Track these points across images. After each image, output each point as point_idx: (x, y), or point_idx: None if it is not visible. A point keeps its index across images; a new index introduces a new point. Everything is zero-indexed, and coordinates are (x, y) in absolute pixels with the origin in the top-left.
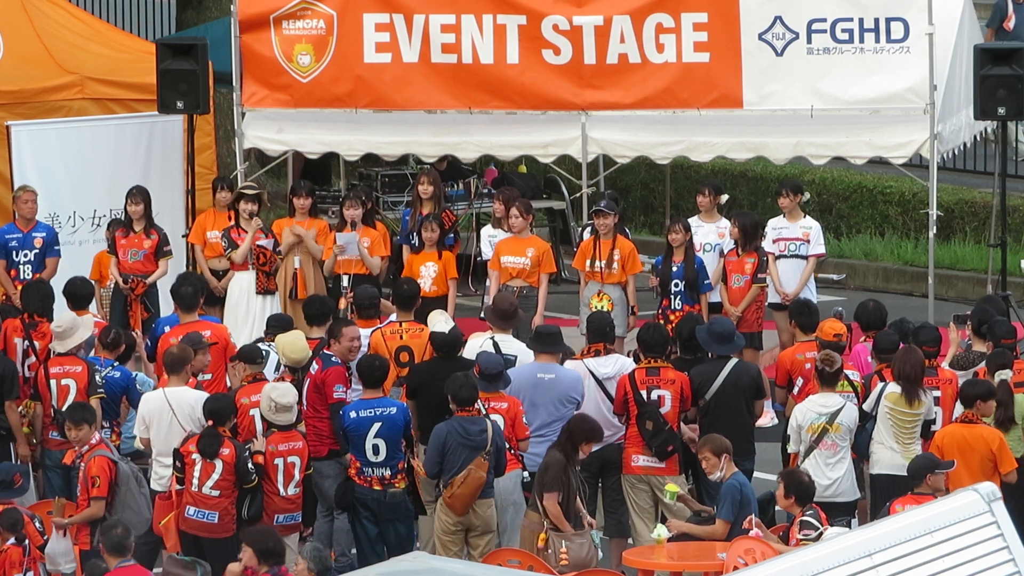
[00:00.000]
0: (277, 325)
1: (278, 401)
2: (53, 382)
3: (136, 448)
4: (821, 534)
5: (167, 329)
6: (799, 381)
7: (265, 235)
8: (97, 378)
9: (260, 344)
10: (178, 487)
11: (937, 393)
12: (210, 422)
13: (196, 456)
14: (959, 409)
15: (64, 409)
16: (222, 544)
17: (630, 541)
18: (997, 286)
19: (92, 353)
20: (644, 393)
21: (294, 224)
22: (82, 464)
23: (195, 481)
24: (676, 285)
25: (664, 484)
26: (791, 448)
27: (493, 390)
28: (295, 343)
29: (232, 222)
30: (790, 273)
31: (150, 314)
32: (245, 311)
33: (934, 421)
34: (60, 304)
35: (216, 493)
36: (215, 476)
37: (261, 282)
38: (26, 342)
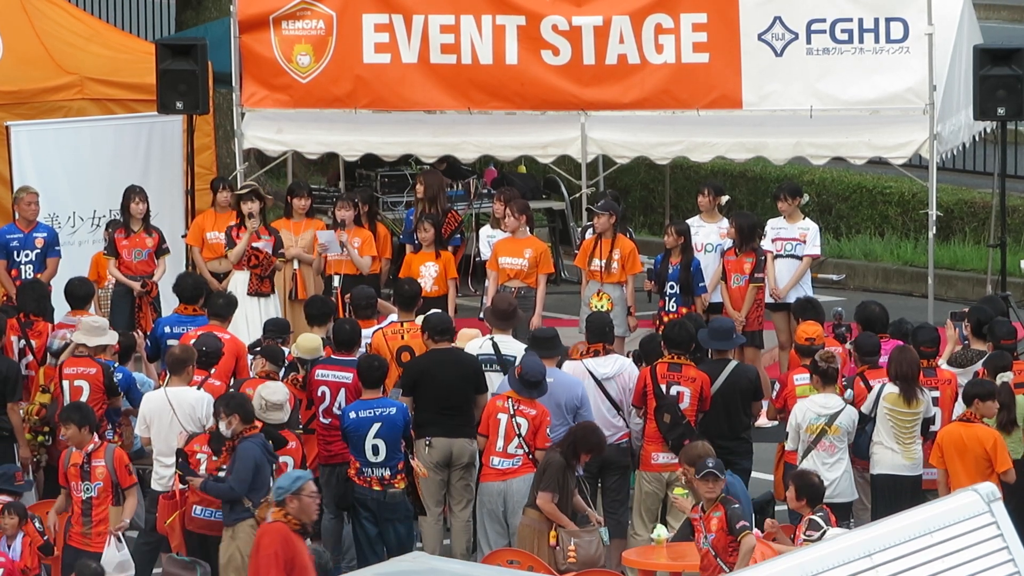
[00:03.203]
0: (274, 330)
1: (268, 399)
2: (66, 383)
3: (139, 447)
4: (823, 534)
5: (167, 329)
6: (776, 386)
7: (268, 236)
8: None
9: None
10: (181, 486)
11: (936, 393)
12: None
13: (202, 455)
14: (959, 409)
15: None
16: None
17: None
18: (997, 286)
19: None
20: (664, 387)
21: (288, 248)
22: (99, 461)
23: None
24: (671, 287)
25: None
26: (789, 446)
27: (528, 396)
28: (313, 339)
29: (237, 221)
30: (785, 272)
31: (158, 315)
32: (239, 311)
33: (933, 420)
34: (59, 304)
35: None
36: (222, 474)
37: (253, 284)
38: (22, 341)
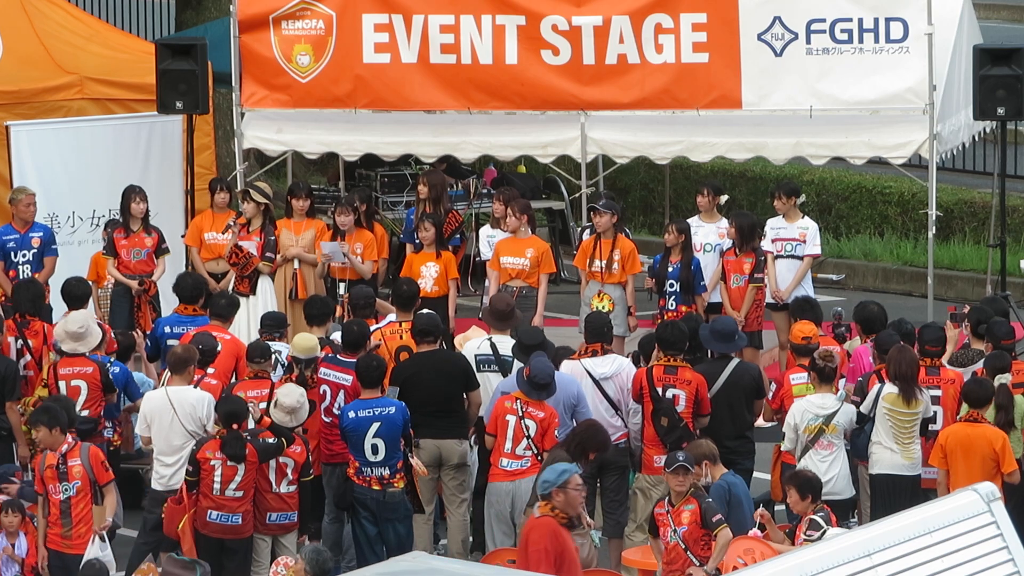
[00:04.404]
0: (271, 324)
1: (279, 399)
2: (63, 383)
3: (138, 447)
4: (823, 534)
5: (167, 329)
6: (773, 386)
7: (259, 237)
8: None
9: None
10: (189, 490)
11: (937, 392)
12: (234, 426)
13: (215, 461)
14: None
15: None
16: (244, 543)
17: None
18: (997, 286)
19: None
20: (660, 390)
21: (288, 248)
22: (74, 461)
23: (216, 485)
24: (671, 286)
25: None
26: (785, 446)
27: (537, 398)
28: (309, 338)
29: (244, 220)
30: (786, 273)
31: (157, 314)
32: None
33: (934, 419)
34: (58, 304)
35: (240, 494)
36: (238, 478)
37: (236, 284)
38: (19, 341)
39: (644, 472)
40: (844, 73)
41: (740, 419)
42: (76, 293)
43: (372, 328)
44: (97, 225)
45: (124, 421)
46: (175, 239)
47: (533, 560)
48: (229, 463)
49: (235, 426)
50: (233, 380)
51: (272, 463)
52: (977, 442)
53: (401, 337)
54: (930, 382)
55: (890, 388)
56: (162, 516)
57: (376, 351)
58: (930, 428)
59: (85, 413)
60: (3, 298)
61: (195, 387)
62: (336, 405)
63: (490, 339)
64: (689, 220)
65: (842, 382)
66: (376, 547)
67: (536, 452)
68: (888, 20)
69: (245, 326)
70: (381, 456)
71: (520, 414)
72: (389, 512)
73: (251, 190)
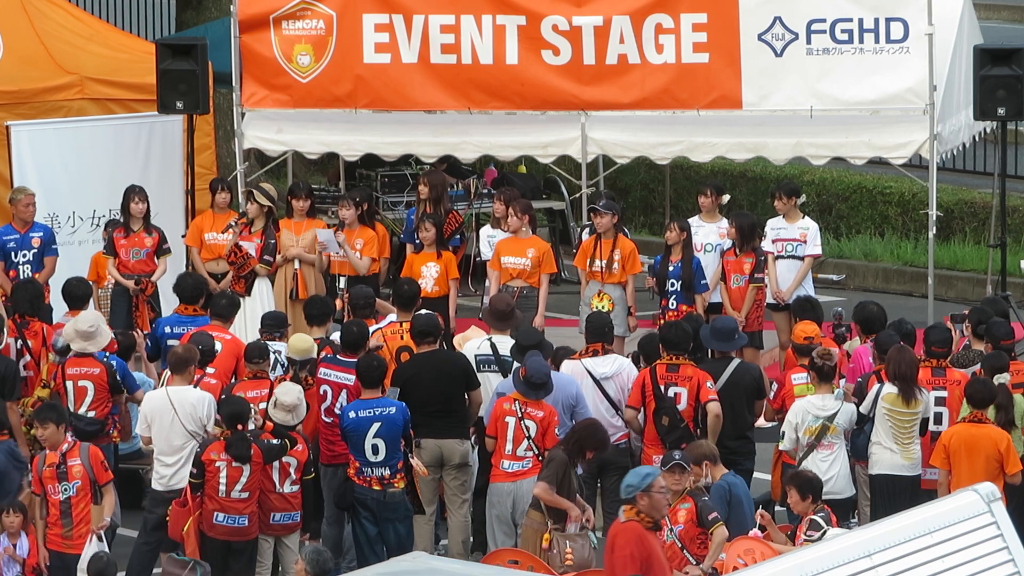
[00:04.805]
0: (271, 324)
1: (279, 398)
2: (70, 383)
3: (138, 447)
4: (824, 534)
5: (168, 329)
6: (774, 386)
7: (260, 239)
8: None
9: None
10: (194, 493)
11: (943, 393)
12: (238, 426)
13: (220, 463)
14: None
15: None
16: (250, 544)
17: None
18: (997, 286)
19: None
20: (663, 388)
21: (289, 248)
22: (74, 460)
23: (222, 488)
24: (672, 285)
25: None
26: (784, 446)
27: (535, 398)
28: (304, 339)
29: (244, 221)
30: (787, 273)
31: (156, 314)
32: None
33: (939, 420)
34: (58, 304)
35: (246, 496)
36: (243, 479)
37: (232, 283)
38: (19, 342)
39: None
40: (844, 73)
41: (741, 419)
42: (77, 293)
43: (372, 328)
44: (97, 225)
45: (122, 412)
46: (175, 239)
47: (619, 565)
48: (234, 464)
49: (239, 427)
50: (233, 380)
51: (275, 463)
52: (982, 442)
53: (402, 337)
54: (936, 383)
55: (889, 388)
56: (163, 516)
57: (378, 352)
58: (934, 429)
59: (91, 414)
60: (3, 298)
61: (195, 387)
62: (338, 405)
63: (490, 339)
64: (690, 220)
65: (842, 381)
66: (376, 547)
67: (537, 452)
68: (888, 20)
69: (241, 327)
70: (381, 456)
71: (519, 415)
72: (389, 512)
73: (255, 191)
